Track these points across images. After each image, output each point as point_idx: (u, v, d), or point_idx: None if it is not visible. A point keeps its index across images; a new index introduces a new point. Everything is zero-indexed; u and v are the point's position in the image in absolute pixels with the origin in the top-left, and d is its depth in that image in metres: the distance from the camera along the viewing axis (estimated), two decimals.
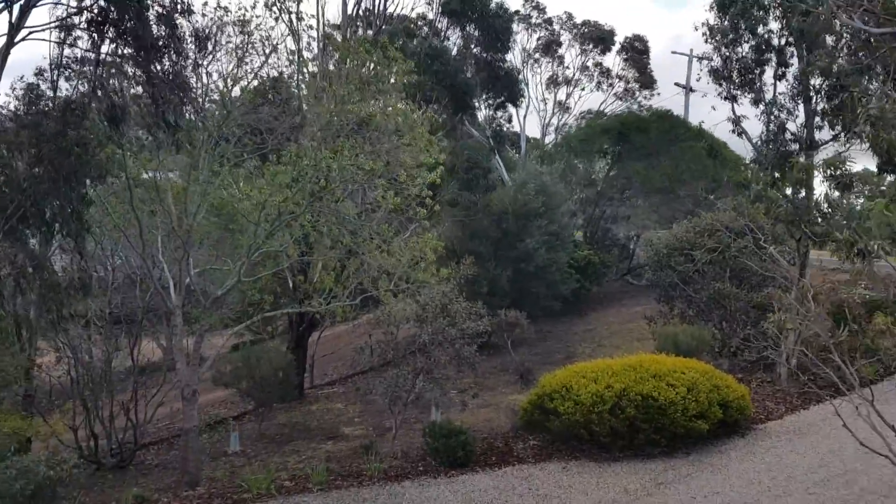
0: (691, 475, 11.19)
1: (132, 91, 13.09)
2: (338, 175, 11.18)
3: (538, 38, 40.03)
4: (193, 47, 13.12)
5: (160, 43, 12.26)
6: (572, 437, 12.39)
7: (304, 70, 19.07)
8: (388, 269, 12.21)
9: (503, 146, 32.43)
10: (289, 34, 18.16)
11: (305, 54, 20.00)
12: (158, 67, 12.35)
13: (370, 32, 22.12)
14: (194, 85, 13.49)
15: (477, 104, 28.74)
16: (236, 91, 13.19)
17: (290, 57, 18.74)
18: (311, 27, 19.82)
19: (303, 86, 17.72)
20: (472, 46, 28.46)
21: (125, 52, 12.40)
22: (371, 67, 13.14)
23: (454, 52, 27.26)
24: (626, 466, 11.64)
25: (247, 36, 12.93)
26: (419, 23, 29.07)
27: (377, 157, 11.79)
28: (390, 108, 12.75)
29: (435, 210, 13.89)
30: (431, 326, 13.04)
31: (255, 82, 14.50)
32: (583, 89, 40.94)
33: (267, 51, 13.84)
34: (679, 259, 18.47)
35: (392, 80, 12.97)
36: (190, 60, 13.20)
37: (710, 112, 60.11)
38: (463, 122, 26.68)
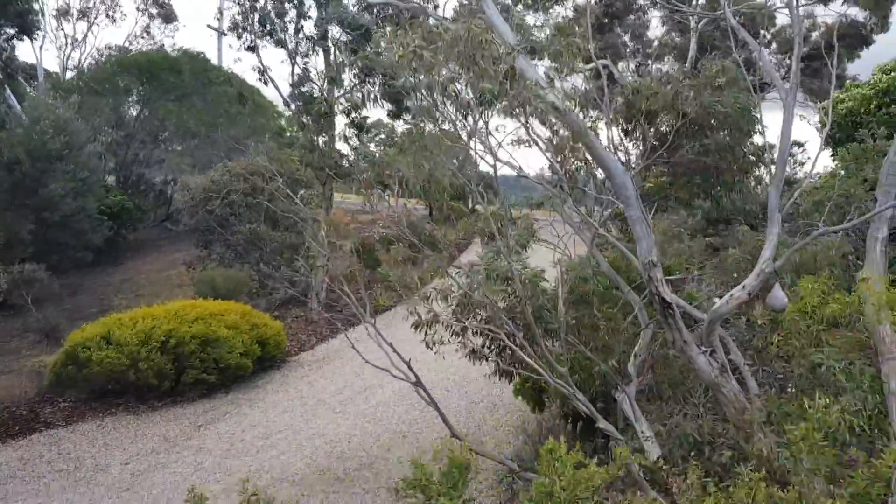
0: (230, 413, 11.64)
1: None
2: None
3: None
4: None
5: None
6: (110, 389, 11.89)
7: None
8: None
9: (16, 80, 28.38)
10: None
11: None
12: None
13: None
14: None
15: None
16: None
17: None
18: None
19: None
20: None
21: None
22: None
23: None
24: (166, 414, 11.60)
25: None
26: None
27: None
28: None
29: None
30: None
31: None
32: (99, 22, 37.76)
33: None
34: (216, 203, 18.61)
35: None
36: None
37: (237, 61, 60.71)
38: None
